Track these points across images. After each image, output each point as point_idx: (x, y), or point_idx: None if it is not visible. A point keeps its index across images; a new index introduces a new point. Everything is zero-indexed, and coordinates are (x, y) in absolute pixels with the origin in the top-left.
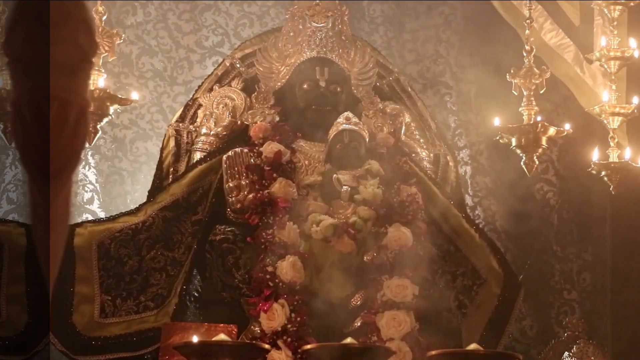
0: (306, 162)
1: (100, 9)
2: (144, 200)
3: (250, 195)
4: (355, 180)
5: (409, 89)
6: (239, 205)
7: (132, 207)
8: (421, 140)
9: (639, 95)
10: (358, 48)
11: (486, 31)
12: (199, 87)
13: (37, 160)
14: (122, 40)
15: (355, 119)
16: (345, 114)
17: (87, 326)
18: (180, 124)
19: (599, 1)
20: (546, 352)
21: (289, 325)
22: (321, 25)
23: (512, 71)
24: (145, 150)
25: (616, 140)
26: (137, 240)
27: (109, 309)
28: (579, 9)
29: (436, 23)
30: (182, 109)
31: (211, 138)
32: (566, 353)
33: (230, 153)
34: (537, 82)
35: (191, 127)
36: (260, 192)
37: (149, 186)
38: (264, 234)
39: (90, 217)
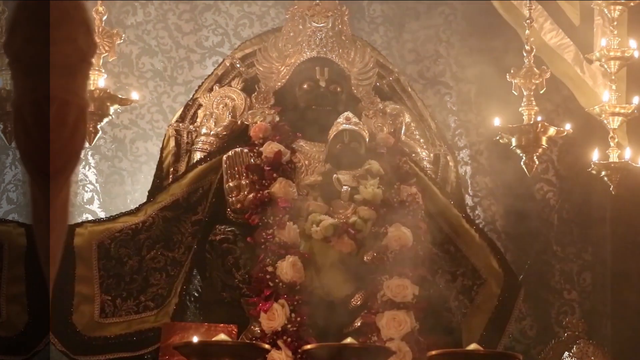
0: (306, 162)
1: (101, 9)
2: (144, 200)
3: (250, 195)
4: (355, 180)
5: (409, 89)
6: (239, 205)
7: (132, 207)
8: (421, 140)
9: (639, 95)
10: (358, 48)
11: (486, 31)
12: (199, 87)
13: (37, 160)
14: (122, 40)
15: (355, 119)
16: (345, 114)
17: (87, 326)
18: (180, 124)
19: (599, 1)
20: (546, 352)
21: (289, 325)
22: (321, 25)
23: (512, 71)
24: (145, 150)
25: (616, 140)
26: (137, 240)
27: (109, 309)
28: (579, 9)
29: (436, 23)
30: (182, 109)
31: (211, 138)
32: (566, 353)
33: (230, 153)
34: (537, 82)
35: (191, 127)
36: (260, 192)
37: (149, 186)
38: (264, 234)
39: (90, 217)
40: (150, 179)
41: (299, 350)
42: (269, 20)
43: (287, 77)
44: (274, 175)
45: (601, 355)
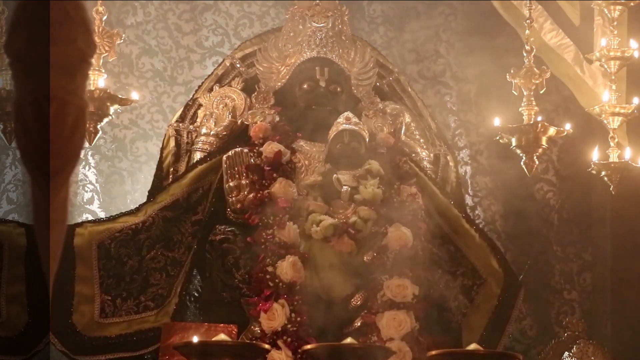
0: (306, 162)
1: (101, 9)
2: (144, 200)
3: (250, 195)
4: (355, 180)
5: (409, 89)
6: (239, 205)
7: (132, 207)
8: (421, 140)
9: (639, 95)
10: (358, 48)
11: (486, 31)
12: (199, 87)
13: (38, 160)
14: (122, 40)
15: (355, 119)
16: (345, 114)
17: (87, 326)
18: (180, 124)
19: (599, 1)
20: (546, 352)
21: (289, 325)
22: (321, 25)
23: (512, 71)
24: (145, 150)
25: (616, 140)
26: (137, 240)
27: (109, 309)
28: (579, 9)
29: (436, 23)
30: (182, 109)
31: (211, 138)
32: (566, 353)
33: (230, 153)
34: (537, 82)
35: (191, 127)
36: (260, 192)
37: (149, 186)
38: (264, 234)
39: (90, 217)
40: (150, 179)
41: (299, 350)
42: (269, 20)
43: (287, 77)
44: (274, 175)
45: (601, 355)
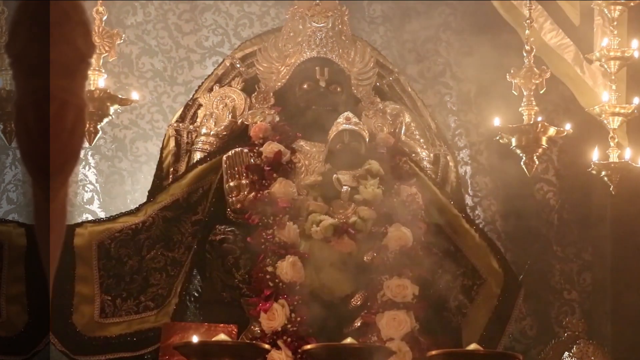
0: (306, 162)
1: (101, 9)
2: (144, 200)
3: (250, 195)
4: (355, 180)
5: (409, 89)
6: (239, 205)
7: (132, 207)
8: (421, 140)
9: (639, 95)
10: (358, 48)
11: (486, 31)
12: (199, 87)
13: (38, 160)
14: (122, 40)
15: (355, 119)
16: (345, 114)
17: (87, 326)
18: (180, 124)
19: (599, 1)
20: (546, 352)
21: (289, 325)
22: (321, 25)
23: (512, 71)
24: (145, 150)
25: (616, 140)
26: (137, 240)
27: (109, 309)
28: (579, 9)
29: (436, 23)
30: (182, 109)
31: (211, 138)
32: (566, 353)
33: (230, 153)
34: (537, 82)
35: (191, 127)
36: (260, 192)
37: (149, 186)
38: (263, 234)
39: (90, 217)
40: (150, 179)
41: (299, 350)
42: (269, 20)
43: (287, 77)
44: (274, 175)
45: (601, 355)
